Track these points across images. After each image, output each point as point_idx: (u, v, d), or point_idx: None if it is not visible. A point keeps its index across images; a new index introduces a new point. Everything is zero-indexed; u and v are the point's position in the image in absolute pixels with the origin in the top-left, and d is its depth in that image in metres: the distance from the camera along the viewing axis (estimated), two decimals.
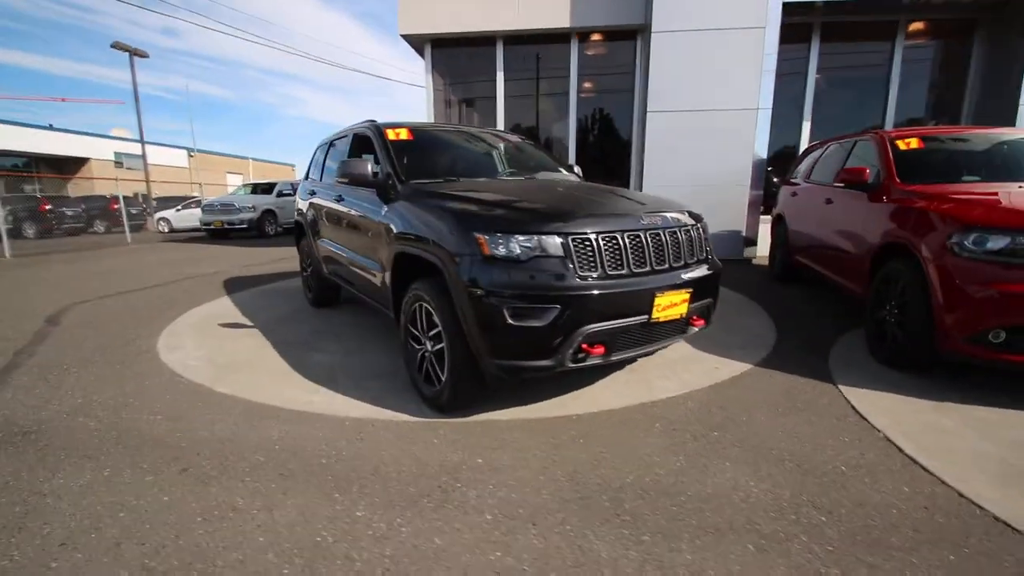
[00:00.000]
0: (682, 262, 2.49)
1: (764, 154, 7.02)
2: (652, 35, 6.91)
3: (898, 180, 3.55)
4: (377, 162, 3.17)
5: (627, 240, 2.28)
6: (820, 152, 5.43)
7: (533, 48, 8.13)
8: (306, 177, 5.04)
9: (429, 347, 2.56)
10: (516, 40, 8.04)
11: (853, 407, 2.62)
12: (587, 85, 8.14)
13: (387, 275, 2.93)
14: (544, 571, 1.50)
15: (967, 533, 1.67)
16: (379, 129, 3.41)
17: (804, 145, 7.75)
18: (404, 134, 3.37)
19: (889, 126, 7.58)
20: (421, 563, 1.53)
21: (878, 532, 1.68)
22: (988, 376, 2.89)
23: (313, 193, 4.40)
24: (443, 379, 2.45)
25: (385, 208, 2.89)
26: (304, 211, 4.60)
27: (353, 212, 3.42)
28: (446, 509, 1.80)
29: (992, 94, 6.95)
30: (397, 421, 2.50)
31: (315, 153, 4.92)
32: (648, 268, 2.33)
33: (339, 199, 3.67)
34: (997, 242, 2.57)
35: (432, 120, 8.32)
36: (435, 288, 2.43)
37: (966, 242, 2.66)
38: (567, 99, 8.14)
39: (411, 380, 2.78)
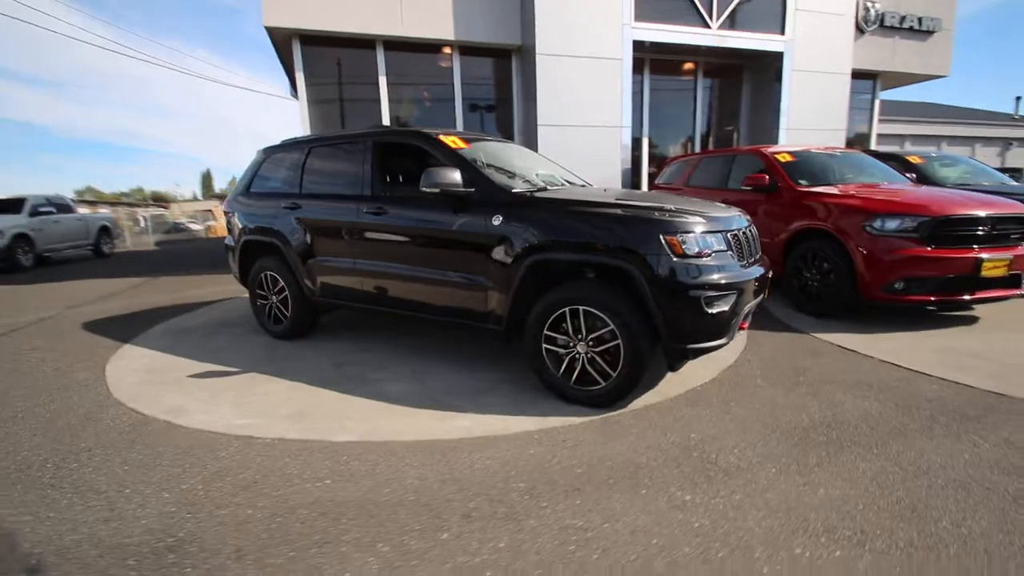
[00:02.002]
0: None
1: (628, 164, 8.38)
2: (537, 56, 7.58)
3: (792, 183, 4.91)
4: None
5: (751, 234, 2.82)
6: (687, 164, 6.86)
7: (417, 56, 8.02)
8: (246, 192, 4.22)
9: (583, 350, 2.67)
10: (398, 46, 7.82)
11: (843, 347, 3.65)
12: (470, 96, 8.40)
13: (499, 288, 2.87)
14: (867, 490, 1.93)
15: (1009, 407, 2.60)
16: (433, 137, 3.23)
17: (645, 157, 9.47)
18: (460, 142, 3.27)
19: (698, 142, 9.82)
20: (806, 516, 1.80)
21: (984, 413, 2.51)
22: (883, 313, 4.31)
23: (295, 207, 3.76)
24: (614, 375, 2.60)
25: (498, 218, 2.83)
26: (276, 229, 3.87)
27: (418, 226, 3.17)
28: (740, 474, 2.06)
29: (759, 120, 9.64)
30: (574, 424, 2.55)
31: (263, 162, 4.17)
32: (759, 256, 2.91)
33: (377, 212, 3.31)
34: (893, 223, 3.92)
35: (308, 126, 7.51)
36: (604, 291, 2.57)
37: (875, 224, 3.97)
38: (453, 108, 8.28)
39: (548, 385, 2.82)
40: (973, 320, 4.24)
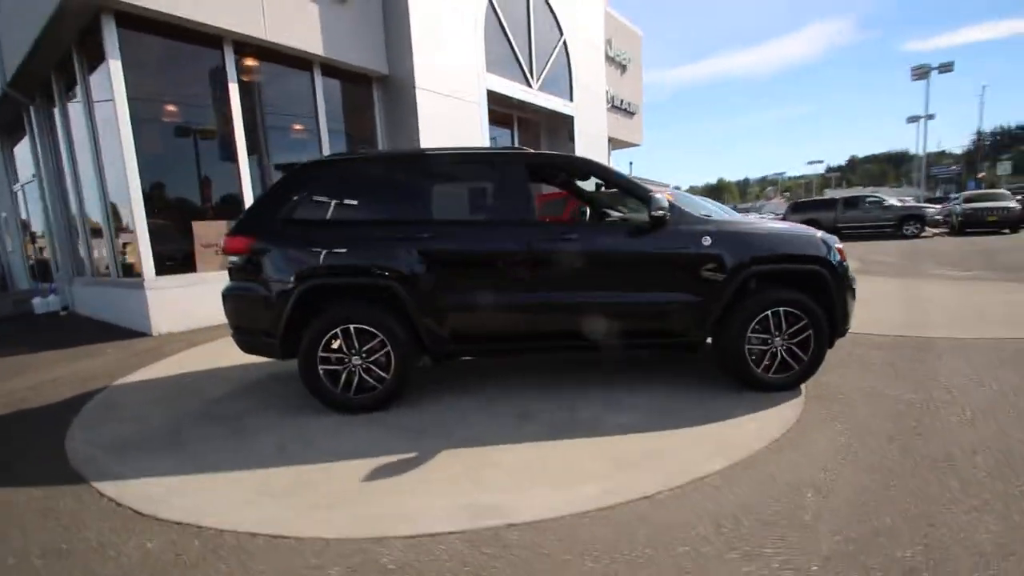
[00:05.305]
0: None
1: None
2: (417, 91, 7.44)
3: None
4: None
5: None
6: (565, 201, 7.96)
7: (272, 67, 6.63)
8: (289, 220, 3.02)
9: (780, 343, 3.24)
10: (252, 51, 6.33)
11: None
12: (333, 120, 7.42)
13: (702, 302, 3.14)
14: (987, 384, 3.17)
15: (933, 342, 4.41)
16: (601, 165, 3.22)
17: None
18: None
19: None
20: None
21: (929, 345, 4.19)
22: None
23: (413, 237, 2.95)
24: (805, 358, 3.25)
25: (707, 239, 3.11)
26: (387, 266, 2.92)
27: (620, 251, 3.14)
28: (976, 392, 3.04)
29: None
30: (809, 404, 3.08)
31: (312, 179, 3.09)
32: None
33: (560, 239, 3.04)
34: None
35: (131, 143, 5.30)
36: (792, 292, 3.19)
37: None
38: (316, 131, 7.15)
39: (746, 379, 3.22)
40: None
